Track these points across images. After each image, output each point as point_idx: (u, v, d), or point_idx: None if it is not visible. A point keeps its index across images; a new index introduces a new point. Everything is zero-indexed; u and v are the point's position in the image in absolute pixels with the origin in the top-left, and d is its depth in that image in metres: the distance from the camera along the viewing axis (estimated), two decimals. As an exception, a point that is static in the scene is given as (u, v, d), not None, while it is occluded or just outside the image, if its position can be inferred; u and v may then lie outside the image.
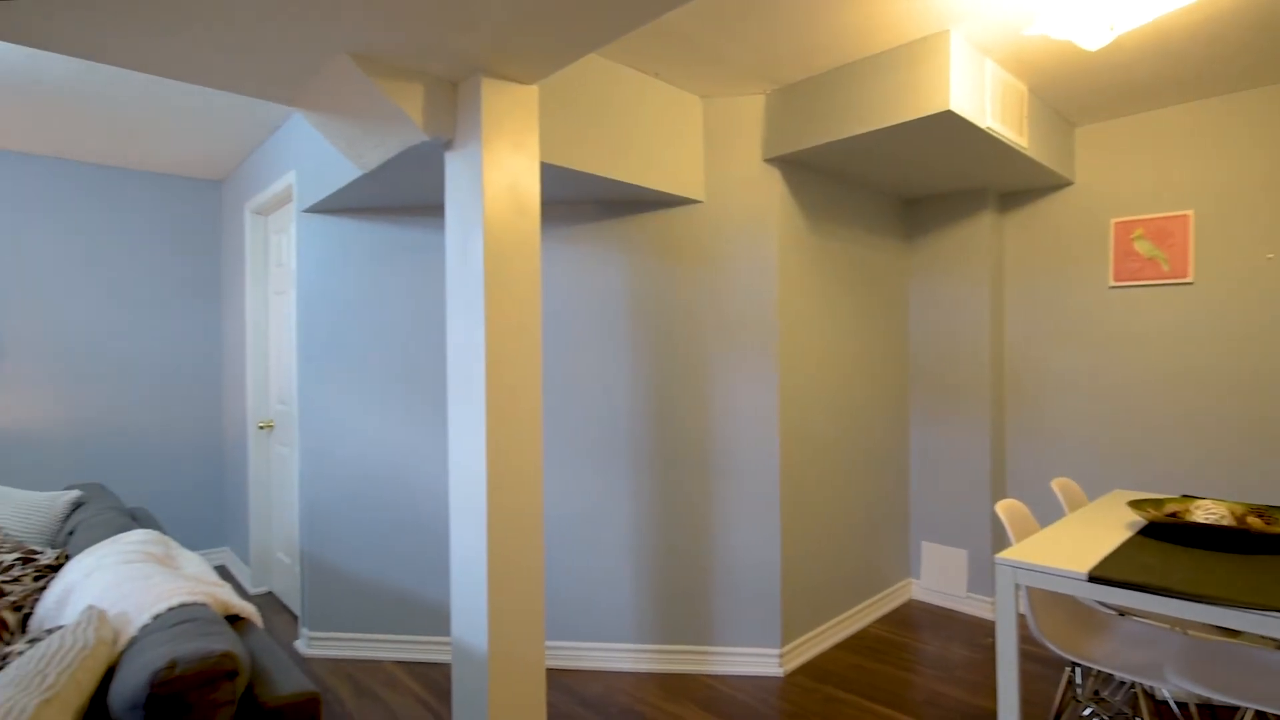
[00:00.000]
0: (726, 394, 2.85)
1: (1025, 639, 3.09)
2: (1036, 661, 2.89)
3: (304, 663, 3.02)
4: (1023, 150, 2.75)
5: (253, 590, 3.84)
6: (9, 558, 1.95)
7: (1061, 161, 3.13)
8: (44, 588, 1.69)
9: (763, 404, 2.82)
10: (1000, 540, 3.42)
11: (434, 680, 2.81)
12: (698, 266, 2.86)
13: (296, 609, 3.47)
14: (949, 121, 2.38)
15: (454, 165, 2.00)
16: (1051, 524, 2.30)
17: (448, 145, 2.02)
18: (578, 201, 2.88)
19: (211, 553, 4.37)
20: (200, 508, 4.32)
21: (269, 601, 3.72)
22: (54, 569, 1.94)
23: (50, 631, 1.34)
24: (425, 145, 2.05)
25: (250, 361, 3.79)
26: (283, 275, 3.58)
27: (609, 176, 2.47)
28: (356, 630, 3.04)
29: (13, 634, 1.52)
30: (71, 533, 2.20)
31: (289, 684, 1.22)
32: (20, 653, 1.29)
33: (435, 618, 2.99)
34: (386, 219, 3.01)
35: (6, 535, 2.11)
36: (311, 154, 2.95)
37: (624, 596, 2.90)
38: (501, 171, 1.93)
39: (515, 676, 1.96)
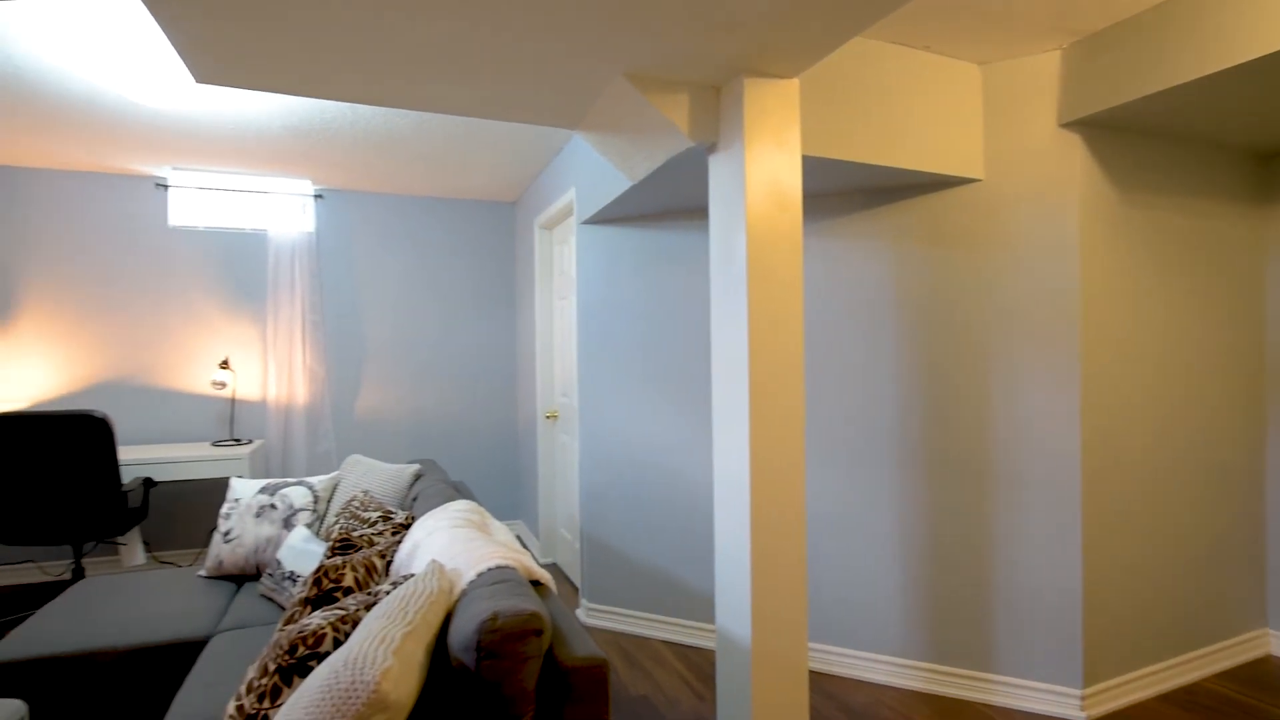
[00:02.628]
0: (1012, 393, 2.54)
1: None
2: None
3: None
4: None
5: (541, 560, 4.37)
6: (375, 515, 2.46)
7: None
8: (399, 541, 2.10)
9: (1060, 405, 2.47)
10: None
11: (696, 663, 2.94)
12: (975, 252, 2.59)
13: (577, 581, 3.87)
14: (1336, 47, 1.85)
15: (717, 167, 2.06)
16: None
17: (711, 149, 2.09)
18: (838, 192, 2.79)
19: (508, 524, 5.06)
20: (500, 484, 5.03)
21: (554, 572, 4.20)
22: (405, 527, 2.40)
23: (405, 578, 1.66)
24: (690, 151, 2.14)
25: (539, 359, 4.30)
26: (565, 282, 4.01)
27: (873, 163, 2.35)
28: (628, 607, 3.30)
29: (380, 576, 1.92)
30: (415, 499, 2.70)
31: (581, 648, 1.37)
32: (387, 592, 1.63)
33: (699, 604, 3.12)
34: (651, 225, 3.21)
35: (372, 498, 2.66)
36: (588, 171, 3.25)
37: (889, 606, 2.74)
38: (764, 169, 1.94)
39: (778, 672, 1.97)
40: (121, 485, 3.26)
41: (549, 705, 1.32)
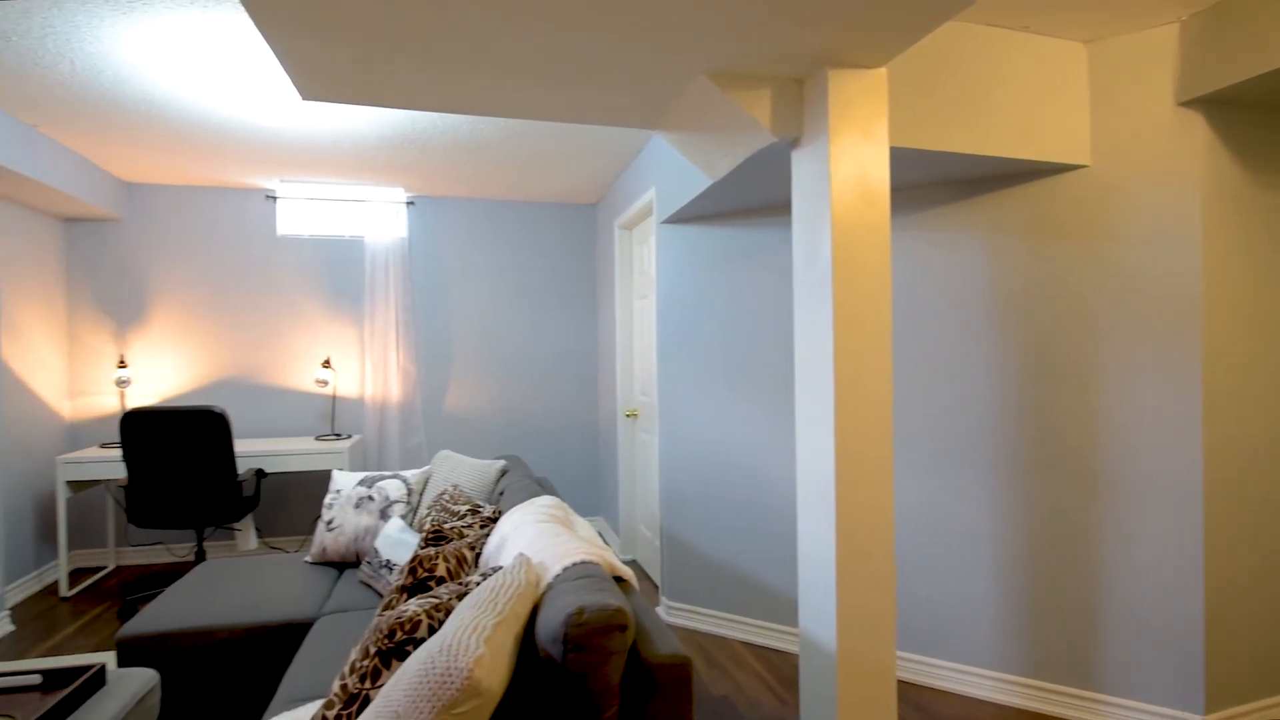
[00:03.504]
0: (1125, 392, 2.37)
1: None
2: None
3: (664, 627, 3.37)
4: None
5: (622, 557, 4.41)
6: (464, 509, 2.56)
7: None
8: (488, 534, 2.18)
9: (1178, 406, 2.28)
10: None
11: (777, 666, 2.90)
12: (1081, 243, 2.43)
13: (657, 578, 3.89)
14: None
15: (801, 162, 2.02)
16: None
17: (794, 144, 2.05)
18: (927, 184, 2.68)
19: (589, 520, 5.14)
20: (580, 481, 5.12)
21: (634, 569, 4.23)
22: (492, 520, 2.49)
23: (494, 569, 1.72)
24: (772, 147, 2.11)
25: (619, 358, 4.35)
26: (644, 281, 4.04)
27: (969, 153, 2.25)
28: (708, 606, 3.29)
29: (470, 567, 1.99)
30: (501, 493, 2.79)
31: (665, 645, 1.38)
32: (477, 583, 1.69)
33: (780, 605, 3.08)
34: (732, 223, 3.19)
35: (461, 492, 2.76)
36: (668, 170, 3.26)
37: (984, 616, 2.61)
38: (849, 163, 1.89)
39: (865, 678, 1.92)
40: (237, 475, 3.53)
41: (633, 700, 1.33)
